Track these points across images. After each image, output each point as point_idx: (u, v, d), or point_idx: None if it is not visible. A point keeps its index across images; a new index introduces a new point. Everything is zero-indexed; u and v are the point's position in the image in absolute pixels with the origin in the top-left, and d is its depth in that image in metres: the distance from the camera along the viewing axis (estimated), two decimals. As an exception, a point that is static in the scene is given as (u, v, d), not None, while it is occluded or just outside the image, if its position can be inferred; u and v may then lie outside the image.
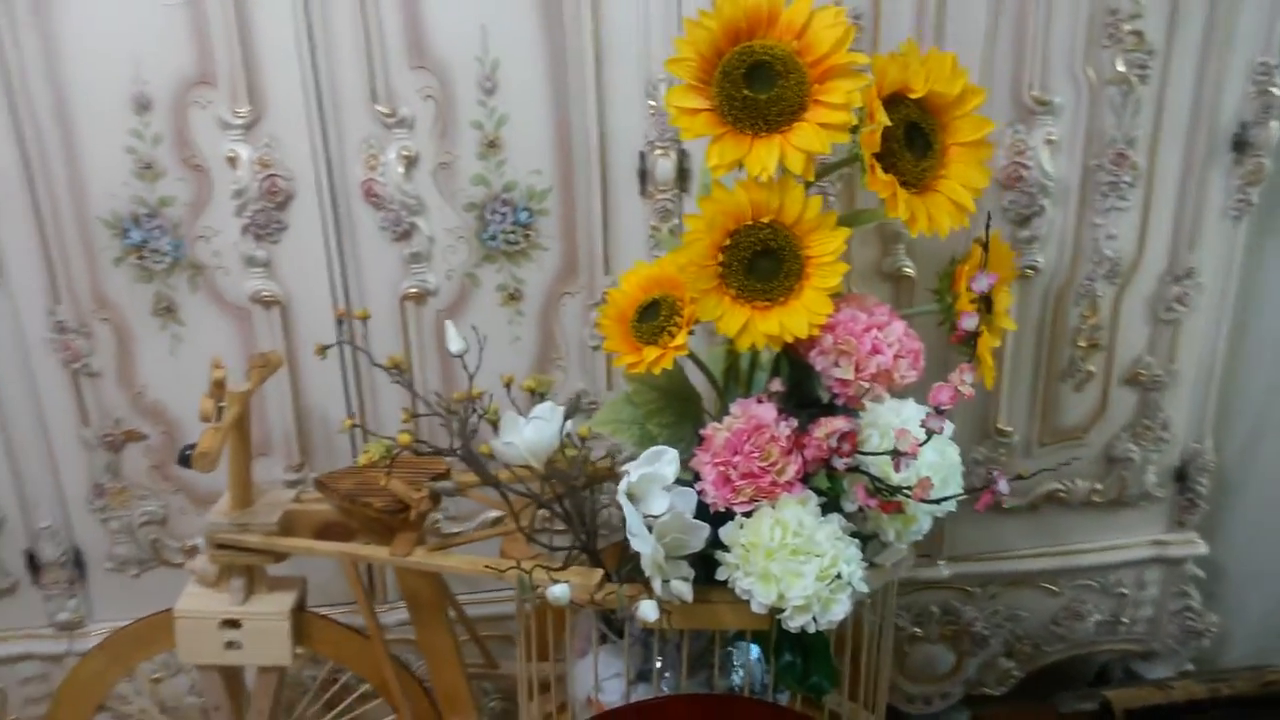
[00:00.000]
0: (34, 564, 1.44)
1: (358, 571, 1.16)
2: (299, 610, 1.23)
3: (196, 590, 1.22)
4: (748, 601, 0.98)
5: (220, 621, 1.20)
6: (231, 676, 1.28)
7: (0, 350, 1.34)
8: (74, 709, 1.28)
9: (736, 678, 1.14)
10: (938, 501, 0.97)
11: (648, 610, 0.96)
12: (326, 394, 1.39)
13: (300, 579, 1.26)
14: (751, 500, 1.00)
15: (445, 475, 1.17)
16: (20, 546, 1.44)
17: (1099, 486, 1.61)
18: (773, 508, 0.99)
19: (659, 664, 1.15)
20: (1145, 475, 1.61)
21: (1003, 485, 0.96)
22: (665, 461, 0.94)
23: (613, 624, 1.18)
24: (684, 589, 0.98)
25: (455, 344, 1.06)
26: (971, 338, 1.01)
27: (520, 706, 1.21)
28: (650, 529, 0.97)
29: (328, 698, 1.44)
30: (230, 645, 1.21)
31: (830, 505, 1.03)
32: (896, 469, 0.94)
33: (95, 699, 1.29)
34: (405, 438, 1.00)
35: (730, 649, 1.13)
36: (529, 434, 0.99)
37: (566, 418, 0.96)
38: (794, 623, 0.96)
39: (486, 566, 1.01)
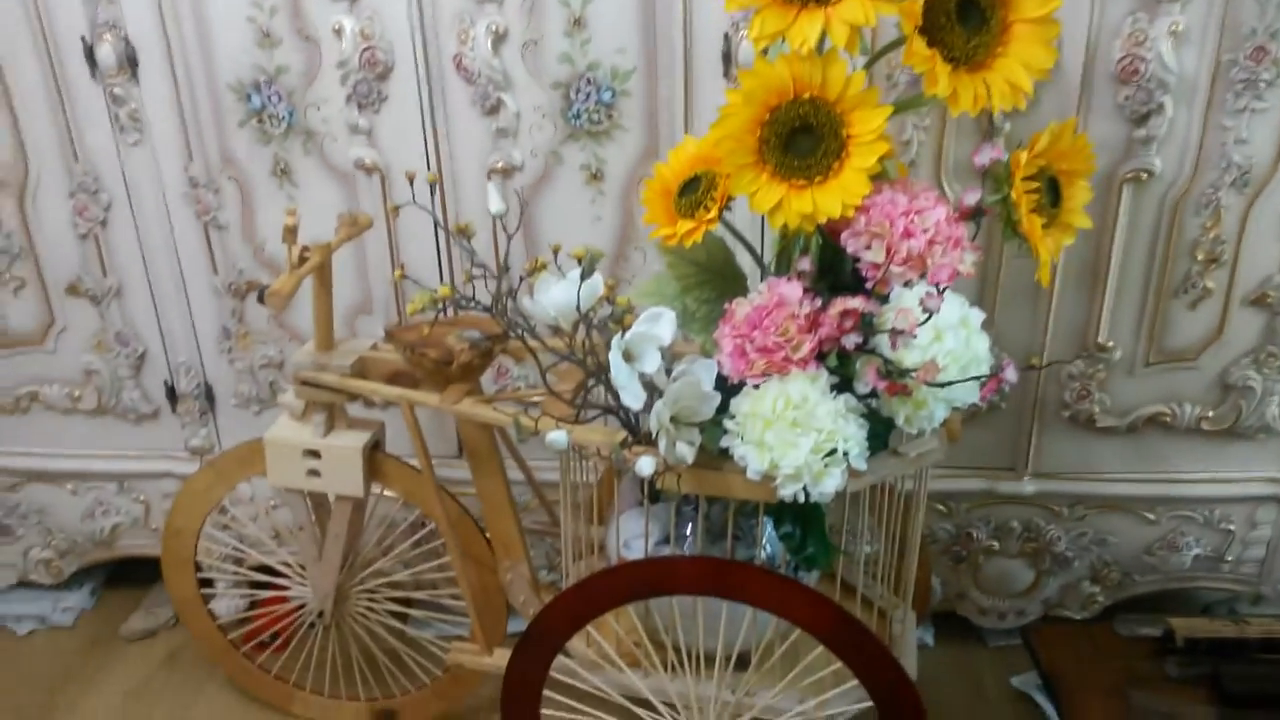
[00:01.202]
0: (172, 394, 1.63)
1: (414, 415, 1.26)
2: (374, 449, 1.35)
3: (286, 422, 1.36)
4: (754, 470, 1.01)
5: (303, 450, 1.33)
6: (319, 506, 1.43)
7: (145, 201, 1.51)
8: (188, 516, 1.47)
9: (763, 553, 1.18)
10: (942, 385, 0.95)
11: (645, 465, 1.00)
12: (421, 258, 1.49)
13: (379, 423, 1.38)
14: (764, 374, 1.02)
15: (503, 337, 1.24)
16: (161, 378, 1.63)
17: (1210, 414, 1.50)
18: (782, 382, 1.00)
19: (687, 531, 1.20)
20: (1267, 407, 1.49)
21: (1010, 373, 0.93)
22: (663, 323, 0.97)
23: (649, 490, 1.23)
24: (686, 452, 1.01)
25: (495, 204, 1.11)
26: (976, 214, 0.97)
27: (564, 560, 1.29)
28: (661, 393, 1.01)
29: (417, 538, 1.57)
30: (311, 473, 1.34)
31: (846, 388, 1.03)
32: (893, 346, 0.93)
33: (204, 509, 1.47)
34: (445, 290, 1.07)
35: (752, 523, 1.16)
36: (556, 294, 1.04)
37: (583, 279, 0.99)
38: (785, 491, 0.97)
39: (495, 409, 1.08)
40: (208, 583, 1.63)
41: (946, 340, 0.98)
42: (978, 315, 1.01)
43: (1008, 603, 1.65)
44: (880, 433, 1.09)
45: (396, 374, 1.30)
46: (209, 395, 1.64)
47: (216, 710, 1.61)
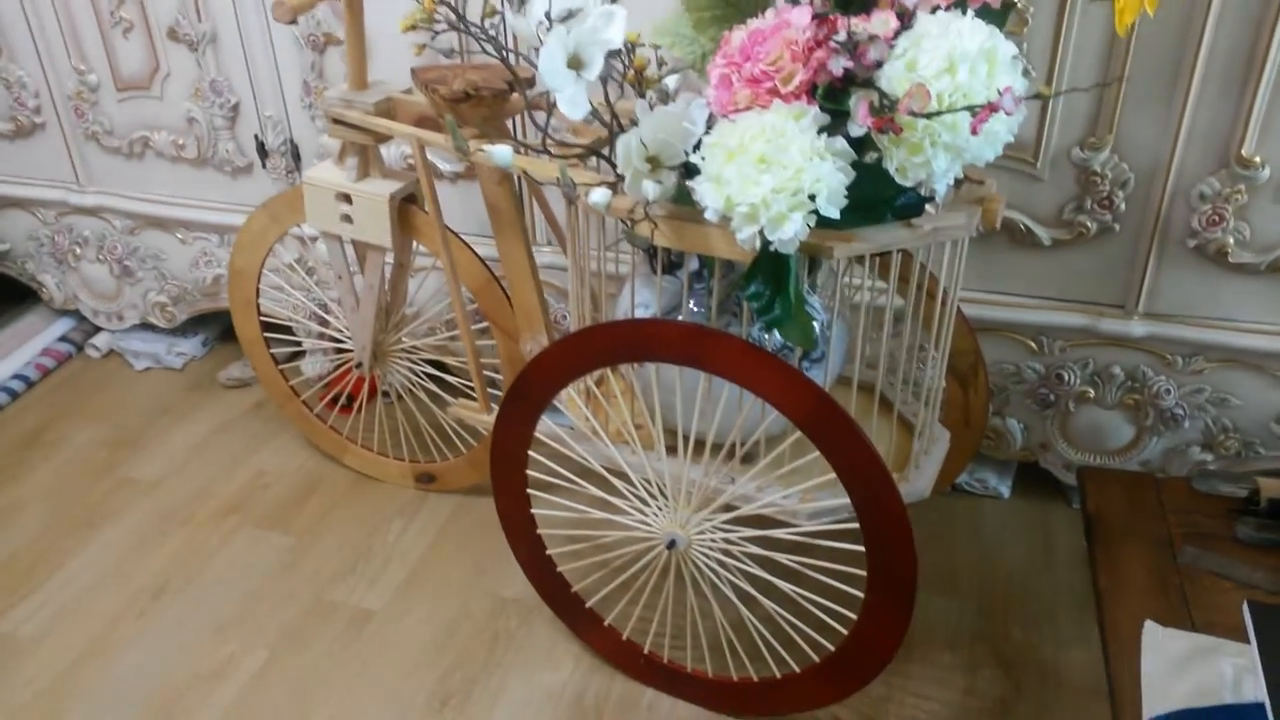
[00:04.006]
0: (262, 149, 1.67)
1: (425, 157, 1.21)
2: (406, 201, 1.33)
3: (327, 165, 1.36)
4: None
5: (335, 193, 1.33)
6: (361, 258, 1.43)
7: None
8: (248, 256, 1.52)
9: (757, 330, 1.08)
10: (928, 116, 0.80)
11: (597, 196, 0.91)
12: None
13: (413, 176, 1.35)
14: (748, 108, 0.90)
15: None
16: (252, 131, 1.67)
17: (1381, 259, 1.23)
18: (760, 114, 0.87)
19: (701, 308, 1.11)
20: None
21: (1009, 100, 0.76)
22: (614, 25, 0.86)
23: (655, 258, 1.15)
24: (651, 188, 0.91)
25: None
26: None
27: (572, 319, 1.23)
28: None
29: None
30: (344, 219, 1.34)
31: (854, 146, 0.89)
32: (862, 60, 0.78)
33: (261, 250, 1.51)
34: (429, 4, 1.00)
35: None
36: (536, 5, 0.94)
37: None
38: (741, 234, 0.86)
39: (480, 152, 1.01)
40: (287, 331, 1.70)
41: (960, 73, 0.81)
42: (1008, 49, 0.83)
43: (1099, 460, 1.46)
44: (889, 197, 0.94)
45: (423, 118, 1.25)
46: (295, 152, 1.66)
47: (281, 454, 1.70)
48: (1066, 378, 1.41)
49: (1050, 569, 1.43)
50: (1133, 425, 1.42)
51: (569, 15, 0.85)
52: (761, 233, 0.86)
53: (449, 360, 1.61)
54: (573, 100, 0.85)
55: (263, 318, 1.59)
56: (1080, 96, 1.24)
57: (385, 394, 1.70)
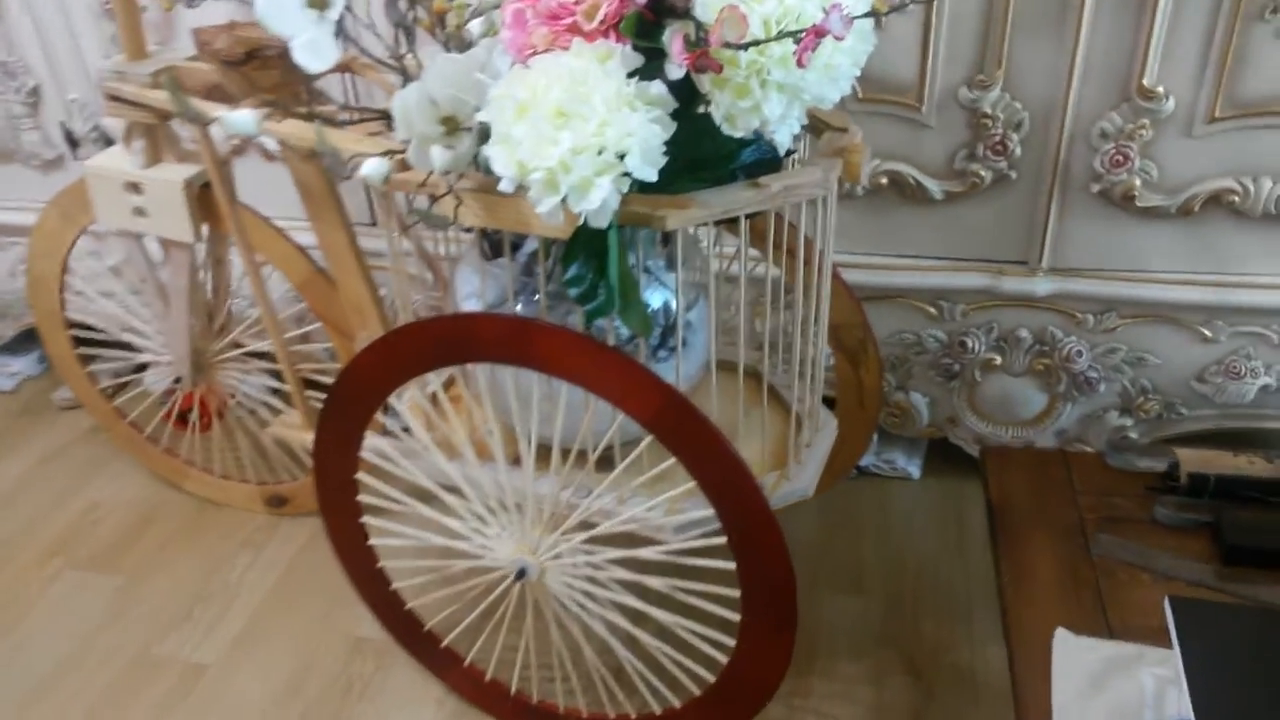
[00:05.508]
0: (71, 138, 1.48)
1: (208, 134, 1.03)
2: (209, 187, 1.15)
3: (113, 151, 1.17)
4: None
5: (124, 183, 1.14)
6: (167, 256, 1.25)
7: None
8: (45, 261, 1.33)
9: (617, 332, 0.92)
10: (743, 48, 0.64)
11: (371, 169, 0.75)
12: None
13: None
14: (547, 50, 0.74)
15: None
16: (58, 118, 1.47)
17: (1301, 195, 1.11)
18: (557, 56, 0.72)
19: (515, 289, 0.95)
20: (1386, 187, 1.09)
21: (836, 21, 0.61)
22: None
23: (492, 247, 0.99)
24: (439, 157, 0.75)
25: None
26: None
27: (393, 286, 1.06)
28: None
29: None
30: (137, 212, 1.16)
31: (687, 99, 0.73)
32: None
33: (59, 253, 1.31)
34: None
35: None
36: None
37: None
38: (541, 206, 0.70)
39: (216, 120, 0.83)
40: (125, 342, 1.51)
41: (768, 3, 0.66)
42: None
43: (1011, 432, 1.33)
44: (730, 152, 0.79)
45: (215, 87, 1.07)
46: (108, 140, 1.47)
47: (116, 482, 1.51)
48: (970, 344, 1.28)
49: (963, 554, 1.31)
50: (1045, 392, 1.30)
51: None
52: (566, 203, 0.70)
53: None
54: (313, 47, 0.69)
55: (85, 330, 1.40)
56: (965, 27, 1.10)
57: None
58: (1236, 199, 1.12)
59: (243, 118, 0.76)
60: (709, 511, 0.88)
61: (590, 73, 0.70)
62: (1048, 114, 1.13)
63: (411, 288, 1.02)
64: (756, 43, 0.64)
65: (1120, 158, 1.13)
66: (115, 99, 1.10)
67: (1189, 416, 1.27)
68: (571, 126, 0.69)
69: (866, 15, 0.66)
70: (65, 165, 1.52)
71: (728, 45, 0.64)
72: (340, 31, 0.78)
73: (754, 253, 1.08)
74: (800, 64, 0.63)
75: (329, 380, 1.02)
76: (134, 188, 1.14)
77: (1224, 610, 0.83)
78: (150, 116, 1.10)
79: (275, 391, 1.35)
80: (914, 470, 1.42)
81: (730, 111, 0.69)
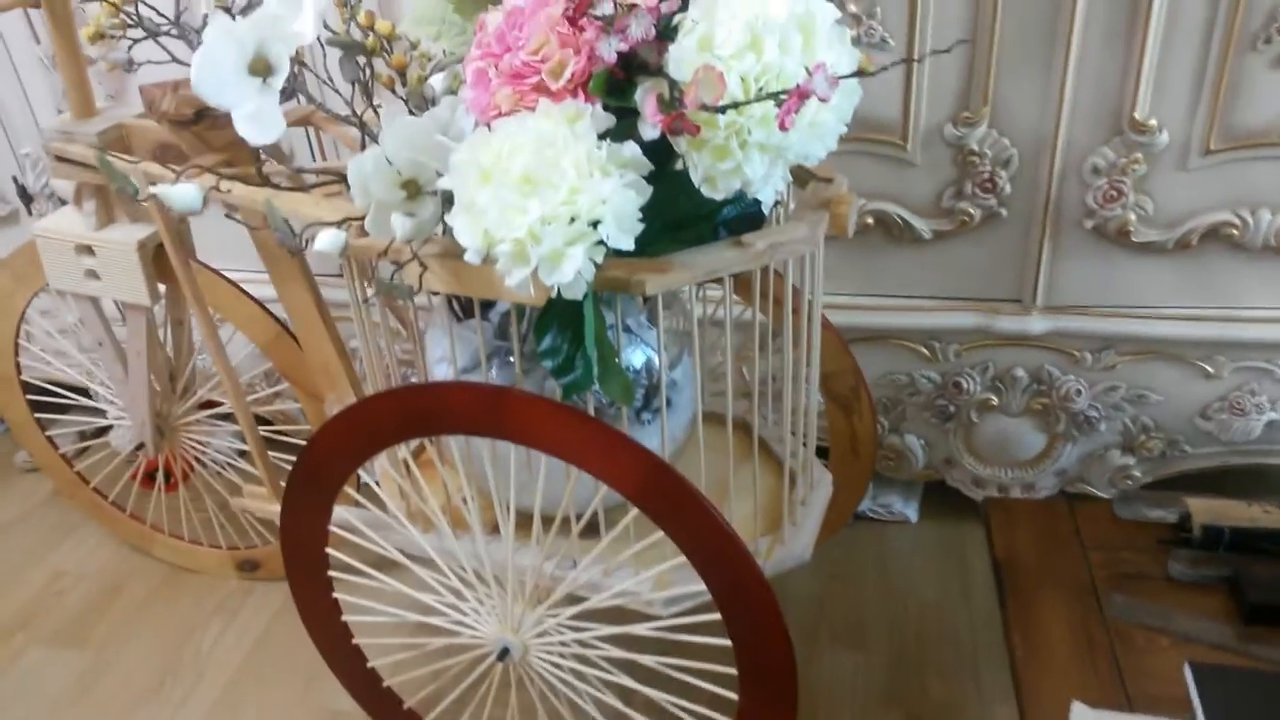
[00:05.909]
0: (24, 194, 1.42)
1: (147, 186, 0.98)
2: (162, 247, 1.09)
3: (65, 211, 1.12)
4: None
5: (75, 245, 1.09)
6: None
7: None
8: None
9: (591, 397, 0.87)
10: (721, 110, 0.60)
11: (324, 241, 0.70)
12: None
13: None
14: (511, 111, 0.69)
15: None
16: (10, 172, 1.42)
17: (1301, 226, 1.08)
18: (523, 118, 0.67)
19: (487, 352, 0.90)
20: (1387, 216, 1.05)
21: (821, 82, 0.56)
22: (304, 12, 0.64)
23: (463, 307, 0.94)
24: (399, 224, 0.70)
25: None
26: None
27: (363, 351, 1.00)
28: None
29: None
30: (90, 274, 1.10)
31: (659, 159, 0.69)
32: (624, 36, 0.58)
33: (12, 317, 1.26)
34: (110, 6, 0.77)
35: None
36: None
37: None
38: (511, 278, 0.66)
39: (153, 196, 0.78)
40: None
41: (766, 49, 0.62)
42: (828, 12, 0.64)
43: (1011, 474, 1.29)
44: (711, 210, 0.75)
45: (165, 146, 1.02)
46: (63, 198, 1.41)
47: (82, 548, 1.45)
48: (965, 385, 1.24)
49: (967, 601, 1.25)
50: (1043, 432, 1.25)
51: (248, 4, 0.63)
52: (537, 274, 0.65)
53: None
54: (257, 118, 0.64)
55: (43, 395, 1.34)
56: (949, 62, 1.06)
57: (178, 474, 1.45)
58: (1235, 232, 1.08)
59: (184, 193, 0.71)
60: (700, 586, 0.83)
61: (558, 135, 0.65)
62: (1037, 150, 1.09)
63: (383, 339, 0.97)
64: (735, 105, 0.59)
65: (1114, 193, 1.09)
66: (62, 159, 1.05)
67: (1193, 454, 1.23)
68: (540, 194, 0.64)
69: (853, 75, 0.61)
70: (19, 220, 1.46)
71: (704, 107, 0.59)
72: (293, 92, 0.73)
73: (739, 298, 1.04)
74: (783, 127, 0.58)
75: (302, 442, 0.97)
76: (87, 250, 1.09)
77: (1249, 677, 0.79)
78: (99, 177, 1.05)
79: (243, 454, 1.30)
80: (911, 514, 1.38)
81: (710, 173, 0.65)
